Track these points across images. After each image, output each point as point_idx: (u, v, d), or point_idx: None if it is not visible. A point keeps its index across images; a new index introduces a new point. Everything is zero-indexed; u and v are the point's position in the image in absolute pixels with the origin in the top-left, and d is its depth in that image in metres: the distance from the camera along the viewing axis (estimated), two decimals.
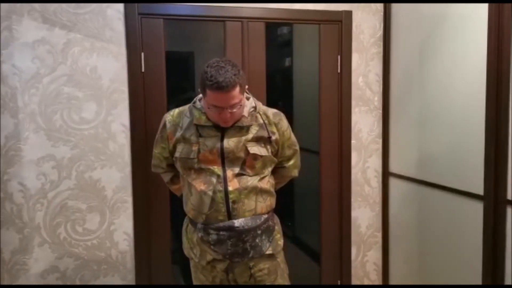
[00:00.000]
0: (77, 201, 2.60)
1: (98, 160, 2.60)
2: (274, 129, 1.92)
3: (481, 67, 2.12)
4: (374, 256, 3.13)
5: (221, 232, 1.82)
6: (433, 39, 2.49)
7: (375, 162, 3.06)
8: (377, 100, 3.02)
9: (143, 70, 2.64)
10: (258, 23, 2.79)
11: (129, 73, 2.61)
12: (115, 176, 2.64)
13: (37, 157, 2.52)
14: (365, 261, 3.13)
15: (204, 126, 1.85)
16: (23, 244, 2.54)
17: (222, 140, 1.83)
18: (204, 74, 1.71)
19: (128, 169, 2.66)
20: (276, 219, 2.01)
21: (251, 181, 1.85)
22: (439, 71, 2.45)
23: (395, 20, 2.87)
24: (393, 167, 2.96)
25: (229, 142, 1.83)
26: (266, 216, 1.90)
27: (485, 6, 2.09)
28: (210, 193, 1.81)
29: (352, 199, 3.05)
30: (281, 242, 2.00)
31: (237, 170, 1.84)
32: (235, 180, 1.83)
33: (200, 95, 1.87)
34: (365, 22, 2.96)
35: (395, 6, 2.86)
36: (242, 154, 1.84)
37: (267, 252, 1.92)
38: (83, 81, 2.55)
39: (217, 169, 1.83)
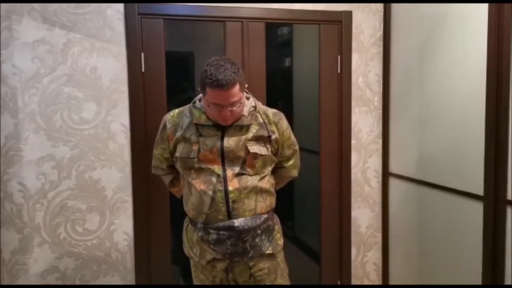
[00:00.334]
0: (77, 201, 2.60)
1: (98, 160, 2.60)
2: (274, 129, 1.92)
3: (481, 67, 2.12)
4: (374, 256, 3.13)
5: (221, 232, 1.82)
6: (433, 39, 2.49)
7: (375, 162, 3.06)
8: (377, 100, 3.02)
9: (143, 70, 2.64)
10: (258, 23, 2.79)
11: (129, 73, 2.61)
12: (115, 176, 2.64)
13: (37, 157, 2.52)
14: (365, 261, 3.13)
15: (204, 125, 1.85)
16: (23, 244, 2.54)
17: (222, 139, 1.83)
18: (204, 72, 1.71)
19: (128, 169, 2.66)
20: (276, 219, 2.01)
21: (251, 180, 1.85)
22: (439, 71, 2.45)
23: (395, 20, 2.87)
24: (393, 167, 2.96)
25: (229, 141, 1.83)
26: (266, 216, 1.90)
27: (485, 6, 2.09)
28: (210, 192, 1.81)
29: (352, 199, 3.05)
30: (281, 241, 2.00)
31: (237, 169, 1.84)
32: (235, 180, 1.83)
33: (200, 95, 1.87)
34: (365, 22, 2.96)
35: (395, 6, 2.86)
36: (242, 154, 1.84)
37: (267, 252, 1.92)
38: (83, 81, 2.55)
39: (217, 168, 1.83)
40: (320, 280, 3.09)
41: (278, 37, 3.59)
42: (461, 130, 2.29)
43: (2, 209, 2.49)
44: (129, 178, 2.66)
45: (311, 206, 3.23)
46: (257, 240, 1.86)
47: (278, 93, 3.49)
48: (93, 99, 2.58)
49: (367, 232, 3.11)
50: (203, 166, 1.84)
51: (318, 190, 3.03)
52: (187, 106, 1.94)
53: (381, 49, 2.99)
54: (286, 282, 2.03)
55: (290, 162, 2.04)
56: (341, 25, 2.92)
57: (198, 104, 1.89)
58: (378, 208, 3.10)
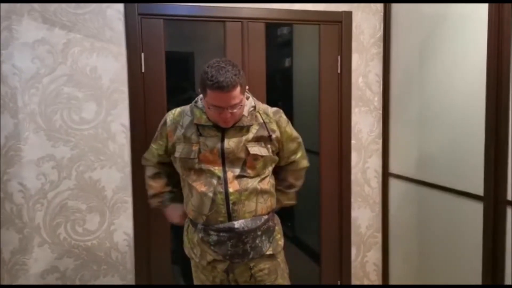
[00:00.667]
0: (77, 201, 2.60)
1: (98, 160, 2.60)
2: (275, 127, 1.92)
3: (481, 67, 2.12)
4: (374, 256, 3.13)
5: (221, 233, 1.82)
6: (433, 39, 2.49)
7: (375, 162, 3.06)
8: (377, 101, 3.02)
9: (143, 70, 2.64)
10: (258, 24, 2.79)
11: (129, 73, 2.61)
12: (115, 176, 2.64)
13: (37, 157, 2.52)
14: (365, 261, 3.13)
15: (204, 125, 1.85)
16: (23, 244, 2.54)
17: (222, 140, 1.83)
18: (205, 74, 1.71)
19: (128, 169, 2.66)
20: (277, 219, 2.01)
21: (251, 183, 1.85)
22: (439, 71, 2.45)
23: (395, 20, 2.87)
24: (393, 168, 2.96)
25: (230, 143, 1.83)
26: (266, 217, 1.90)
27: (485, 6, 2.09)
28: (211, 194, 1.81)
29: (352, 200, 3.05)
30: (281, 242, 2.00)
31: (237, 171, 1.84)
32: (236, 182, 1.82)
33: (201, 95, 1.87)
34: (365, 23, 2.96)
35: (395, 6, 2.86)
36: (242, 155, 1.83)
37: (268, 253, 1.92)
38: (83, 81, 2.55)
39: (218, 170, 1.83)
40: (320, 280, 3.09)
41: (278, 37, 3.58)
42: (461, 130, 2.29)
43: (2, 209, 2.49)
44: (129, 178, 2.66)
45: (311, 206, 3.22)
46: (257, 241, 1.86)
47: (278, 93, 3.49)
48: (93, 99, 2.58)
49: (367, 232, 3.10)
50: (203, 167, 1.83)
51: (318, 190, 3.03)
52: (189, 105, 1.94)
53: (381, 49, 2.99)
54: (286, 282, 2.03)
55: (298, 155, 2.04)
56: (341, 25, 2.92)
57: (200, 103, 1.89)
58: (378, 208, 3.10)
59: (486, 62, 2.09)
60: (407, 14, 2.74)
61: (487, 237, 2.13)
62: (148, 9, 2.62)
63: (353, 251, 3.10)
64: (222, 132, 1.84)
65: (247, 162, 1.84)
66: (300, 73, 3.54)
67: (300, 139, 2.05)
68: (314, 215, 3.14)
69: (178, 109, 1.97)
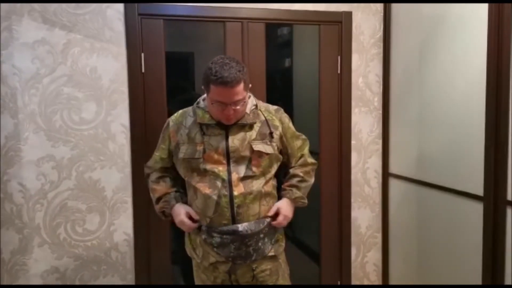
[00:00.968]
0: (77, 201, 2.60)
1: (97, 160, 2.60)
2: (278, 123, 1.92)
3: (481, 67, 2.12)
4: (374, 256, 3.13)
5: (224, 236, 1.82)
6: (433, 39, 2.49)
7: (375, 162, 3.06)
8: (377, 101, 3.02)
9: (143, 71, 2.64)
10: (258, 24, 2.80)
11: (129, 74, 2.61)
12: (115, 177, 2.64)
13: (37, 157, 2.52)
14: (365, 261, 3.12)
15: (208, 124, 1.85)
16: (23, 245, 2.54)
17: (226, 138, 1.83)
18: (209, 70, 1.71)
19: (127, 170, 2.65)
20: None
21: (256, 185, 1.84)
22: (439, 71, 2.45)
23: (395, 20, 2.87)
24: (393, 168, 2.96)
25: (234, 141, 1.83)
26: (269, 219, 1.90)
27: (485, 6, 2.09)
28: (215, 197, 1.81)
29: (352, 200, 3.05)
30: (283, 243, 2.01)
31: (242, 172, 1.83)
32: (241, 185, 1.82)
33: (204, 96, 1.87)
34: (365, 23, 2.96)
35: (395, 7, 2.86)
36: (247, 153, 1.83)
37: (270, 254, 1.92)
38: (83, 82, 2.55)
39: (222, 171, 1.82)
40: (320, 280, 3.09)
41: (278, 37, 3.58)
42: (461, 131, 2.29)
43: (2, 209, 2.49)
44: (129, 178, 2.66)
45: (311, 206, 3.22)
46: (260, 243, 1.86)
47: (278, 93, 3.49)
48: (93, 100, 2.58)
49: (367, 232, 3.10)
50: (207, 167, 1.82)
51: (318, 190, 3.03)
52: (191, 106, 1.95)
53: (381, 49, 2.99)
54: (287, 282, 2.04)
55: (305, 150, 2.03)
56: (341, 26, 2.92)
57: (202, 104, 1.89)
58: (378, 209, 3.10)
59: (486, 62, 2.09)
60: (407, 14, 2.74)
61: (487, 237, 2.13)
62: (148, 9, 2.62)
63: (353, 251, 3.10)
64: (226, 130, 1.84)
65: (252, 160, 1.84)
66: (300, 73, 3.54)
67: (304, 136, 2.05)
68: (314, 215, 3.13)
69: (180, 111, 1.98)
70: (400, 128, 2.87)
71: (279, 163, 1.97)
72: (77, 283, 2.64)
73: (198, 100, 1.93)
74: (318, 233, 3.07)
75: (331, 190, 3.03)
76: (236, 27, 2.77)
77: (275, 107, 1.99)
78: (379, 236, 3.11)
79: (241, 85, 1.72)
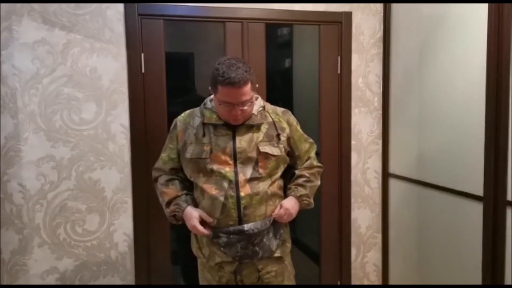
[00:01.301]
0: (76, 201, 2.59)
1: (97, 160, 2.60)
2: (285, 125, 1.93)
3: (481, 67, 2.12)
4: (374, 257, 3.13)
5: (231, 236, 1.82)
6: (433, 39, 2.49)
7: (375, 163, 3.06)
8: (377, 101, 3.02)
9: (143, 71, 2.64)
10: (258, 24, 2.80)
11: (129, 74, 2.61)
12: (115, 177, 2.64)
13: (36, 157, 2.52)
14: (365, 262, 3.12)
15: (215, 124, 1.85)
16: (23, 245, 2.54)
17: (234, 139, 1.83)
18: (216, 70, 1.72)
19: (127, 170, 2.65)
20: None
21: (262, 186, 1.84)
22: (439, 71, 2.45)
23: (395, 20, 2.87)
24: (393, 168, 2.96)
25: (241, 142, 1.83)
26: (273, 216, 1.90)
27: (485, 6, 2.09)
28: (222, 198, 1.80)
29: (352, 200, 3.05)
30: (289, 244, 2.02)
31: (249, 173, 1.83)
32: (247, 186, 1.82)
33: (211, 97, 1.88)
34: (365, 23, 2.96)
35: (395, 7, 2.86)
36: (254, 154, 1.83)
37: (276, 255, 1.93)
38: (83, 82, 2.55)
39: (229, 172, 1.82)
40: (320, 280, 3.09)
41: (278, 37, 3.58)
42: (461, 131, 2.29)
43: (2, 209, 2.49)
44: (128, 178, 2.66)
45: None
46: (265, 240, 1.86)
47: (278, 93, 3.49)
48: (93, 100, 2.58)
49: (367, 232, 3.10)
50: (214, 168, 1.82)
51: (318, 190, 3.01)
52: (198, 107, 1.95)
53: (381, 49, 2.99)
54: (292, 283, 2.05)
55: (312, 154, 2.03)
56: (341, 26, 2.92)
57: (209, 104, 1.90)
58: (378, 209, 3.10)
59: (486, 62, 2.09)
60: (407, 14, 2.74)
61: (487, 237, 2.12)
62: (148, 10, 2.62)
63: (353, 252, 3.09)
64: (233, 131, 1.84)
65: (259, 161, 1.84)
66: (300, 73, 3.54)
67: (311, 140, 2.06)
68: (314, 216, 3.13)
69: (187, 112, 1.98)
70: (400, 128, 2.87)
71: (286, 165, 1.96)
72: (76, 283, 2.64)
73: (205, 101, 1.93)
74: (318, 233, 3.07)
75: (331, 191, 3.03)
76: (236, 27, 2.77)
77: (283, 109, 1.99)
78: (379, 236, 3.11)
79: (248, 86, 1.73)
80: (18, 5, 2.43)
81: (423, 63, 2.60)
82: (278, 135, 1.88)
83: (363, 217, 3.09)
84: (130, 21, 2.59)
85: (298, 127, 2.00)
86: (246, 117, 1.83)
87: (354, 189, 3.05)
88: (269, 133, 1.88)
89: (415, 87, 2.67)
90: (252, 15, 2.76)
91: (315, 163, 2.04)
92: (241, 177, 1.81)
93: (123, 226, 2.68)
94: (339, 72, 2.95)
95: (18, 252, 2.54)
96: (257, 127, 1.87)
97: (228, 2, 2.71)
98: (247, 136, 1.84)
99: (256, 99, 1.90)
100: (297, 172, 2.00)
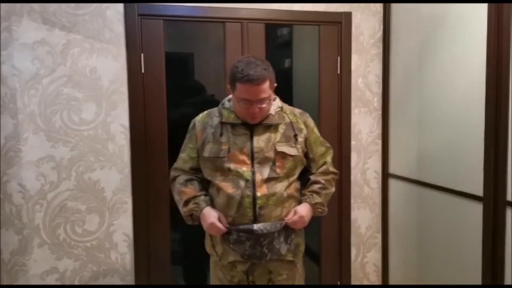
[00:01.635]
0: (76, 202, 2.59)
1: (97, 161, 2.60)
2: (302, 126, 1.93)
3: (480, 67, 2.12)
4: (373, 257, 3.13)
5: (241, 234, 1.82)
6: (433, 39, 2.49)
7: (375, 163, 3.06)
8: (377, 101, 3.02)
9: (142, 71, 2.64)
10: (257, 24, 2.80)
11: (128, 74, 2.61)
12: (115, 177, 2.64)
13: (36, 158, 2.51)
14: (364, 262, 3.12)
15: (233, 124, 1.86)
16: (23, 245, 2.54)
17: (251, 138, 1.84)
18: (235, 68, 1.75)
19: (127, 170, 2.65)
20: None
21: (280, 187, 1.84)
22: (439, 71, 2.45)
23: (395, 20, 2.87)
24: (393, 168, 2.96)
25: (259, 142, 1.84)
26: (285, 221, 1.88)
27: (484, 6, 2.09)
28: (238, 197, 1.81)
29: (352, 200, 3.05)
30: (302, 248, 2.02)
31: (266, 173, 1.83)
32: (264, 186, 1.82)
33: (229, 96, 1.89)
34: (365, 23, 2.96)
35: (394, 7, 2.86)
36: (271, 154, 1.84)
37: (288, 258, 1.93)
38: (82, 82, 2.55)
39: (246, 172, 1.82)
40: (320, 280, 3.08)
41: (277, 38, 3.58)
42: (461, 131, 2.29)
43: (1, 210, 2.48)
44: (128, 179, 2.66)
45: None
46: (274, 243, 1.85)
47: (278, 94, 3.49)
48: (92, 100, 2.58)
49: (367, 233, 3.10)
50: (232, 167, 1.82)
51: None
52: (216, 108, 1.96)
53: (380, 50, 2.99)
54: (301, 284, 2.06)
55: (328, 158, 2.02)
56: (340, 26, 2.92)
57: (227, 104, 1.91)
58: (377, 209, 3.10)
59: (486, 62, 2.09)
60: (407, 14, 2.74)
61: (487, 237, 2.12)
62: (148, 10, 2.62)
63: (353, 252, 3.09)
64: (251, 131, 1.85)
65: (276, 161, 1.84)
66: (299, 74, 3.54)
67: (328, 144, 2.04)
68: (313, 216, 3.13)
69: (205, 112, 1.99)
70: (399, 128, 2.87)
71: (303, 166, 1.96)
72: (76, 283, 2.64)
73: (223, 101, 1.95)
74: (318, 234, 3.07)
75: None
76: (236, 27, 2.77)
77: (300, 110, 2.01)
78: (379, 236, 3.11)
79: (267, 83, 1.75)
80: (18, 5, 2.43)
81: (423, 63, 2.60)
82: (295, 136, 1.89)
83: (363, 217, 3.09)
84: (130, 21, 2.59)
85: (315, 130, 2.00)
86: (264, 116, 1.84)
87: (354, 189, 3.05)
88: (287, 134, 1.88)
89: (415, 87, 2.67)
90: (251, 15, 2.76)
91: (331, 169, 2.02)
92: (258, 177, 1.82)
93: (123, 226, 2.68)
94: (339, 72, 2.95)
95: (18, 253, 2.54)
96: (275, 127, 1.88)
97: (227, 2, 2.71)
98: (265, 136, 1.85)
99: (274, 99, 1.91)
100: (312, 177, 1.98)
